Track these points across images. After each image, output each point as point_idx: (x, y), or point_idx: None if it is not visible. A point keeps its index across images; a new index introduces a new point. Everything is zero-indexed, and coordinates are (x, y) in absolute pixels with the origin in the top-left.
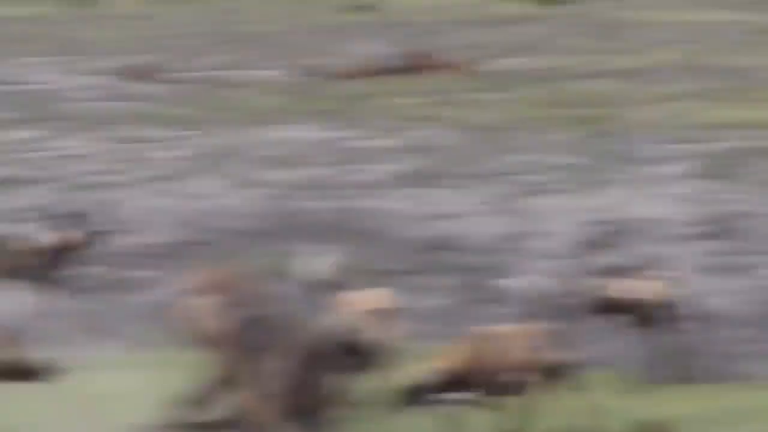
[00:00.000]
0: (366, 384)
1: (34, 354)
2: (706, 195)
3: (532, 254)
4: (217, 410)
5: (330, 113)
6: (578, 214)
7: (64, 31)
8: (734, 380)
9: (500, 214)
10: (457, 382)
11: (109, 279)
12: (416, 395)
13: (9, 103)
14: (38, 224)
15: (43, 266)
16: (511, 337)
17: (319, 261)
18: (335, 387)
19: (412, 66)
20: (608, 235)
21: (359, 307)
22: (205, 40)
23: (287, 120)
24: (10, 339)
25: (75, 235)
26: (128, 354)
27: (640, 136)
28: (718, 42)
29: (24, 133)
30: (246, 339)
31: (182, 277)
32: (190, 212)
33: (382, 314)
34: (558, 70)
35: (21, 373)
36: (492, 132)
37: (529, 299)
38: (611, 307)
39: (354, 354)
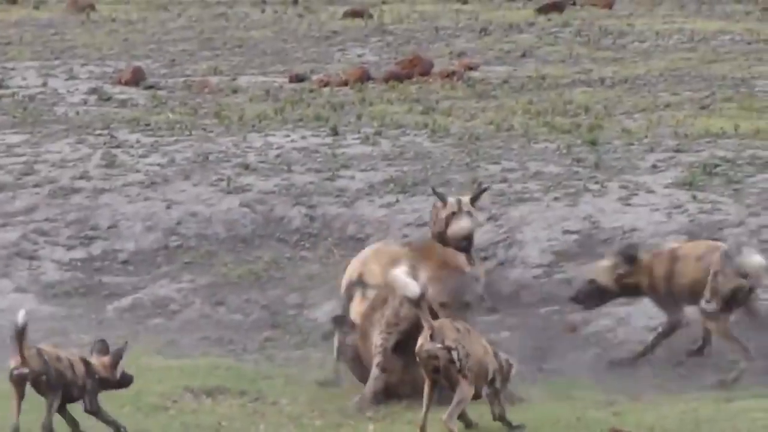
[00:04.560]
0: None
1: None
2: (689, 204)
3: (509, 262)
4: None
5: (314, 120)
6: (556, 223)
7: (52, 35)
8: None
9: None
10: None
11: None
12: None
13: None
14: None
15: None
16: None
17: None
18: None
19: (403, 73)
20: (583, 245)
21: None
22: (195, 45)
23: (271, 126)
24: None
25: None
26: None
27: (624, 144)
28: (711, 51)
29: (12, 138)
30: None
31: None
32: (167, 218)
33: None
34: (548, 78)
35: None
36: (475, 140)
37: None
38: None
39: None
